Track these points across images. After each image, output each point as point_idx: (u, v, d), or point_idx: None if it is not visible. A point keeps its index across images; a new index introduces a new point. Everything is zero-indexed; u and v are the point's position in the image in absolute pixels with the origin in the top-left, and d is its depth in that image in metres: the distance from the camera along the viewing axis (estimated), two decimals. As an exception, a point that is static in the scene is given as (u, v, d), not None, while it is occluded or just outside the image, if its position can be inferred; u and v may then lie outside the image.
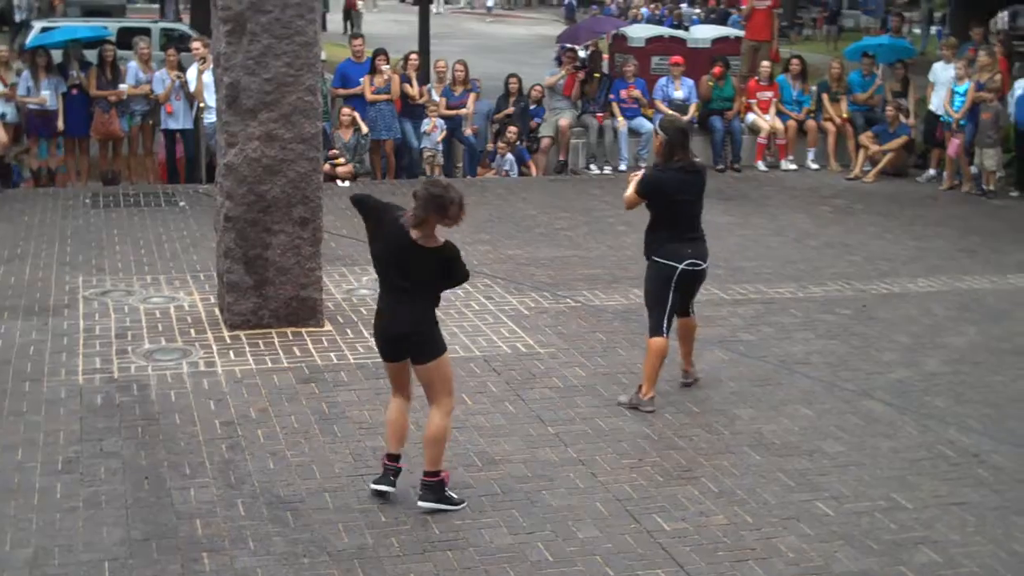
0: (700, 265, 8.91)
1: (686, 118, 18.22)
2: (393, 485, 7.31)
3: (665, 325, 8.84)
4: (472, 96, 18.18)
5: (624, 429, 8.51)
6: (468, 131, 18.05)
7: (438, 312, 7.31)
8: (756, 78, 19.34)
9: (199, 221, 14.28)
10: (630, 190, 8.97)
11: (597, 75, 18.95)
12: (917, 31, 36.64)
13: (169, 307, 11.10)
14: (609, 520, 7.16)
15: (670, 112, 18.14)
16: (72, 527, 6.91)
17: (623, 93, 18.60)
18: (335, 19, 45.02)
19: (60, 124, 16.71)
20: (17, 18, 36.23)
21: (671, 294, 8.80)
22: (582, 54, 20.81)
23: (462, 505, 7.22)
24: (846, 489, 7.66)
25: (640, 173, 9.12)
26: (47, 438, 8.14)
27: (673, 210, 8.83)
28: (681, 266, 8.76)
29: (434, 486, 7.21)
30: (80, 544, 6.72)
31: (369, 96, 17.51)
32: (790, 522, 7.19)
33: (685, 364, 9.36)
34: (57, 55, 17.69)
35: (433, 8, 52.42)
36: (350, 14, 45.00)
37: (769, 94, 19.02)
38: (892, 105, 18.42)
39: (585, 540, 6.91)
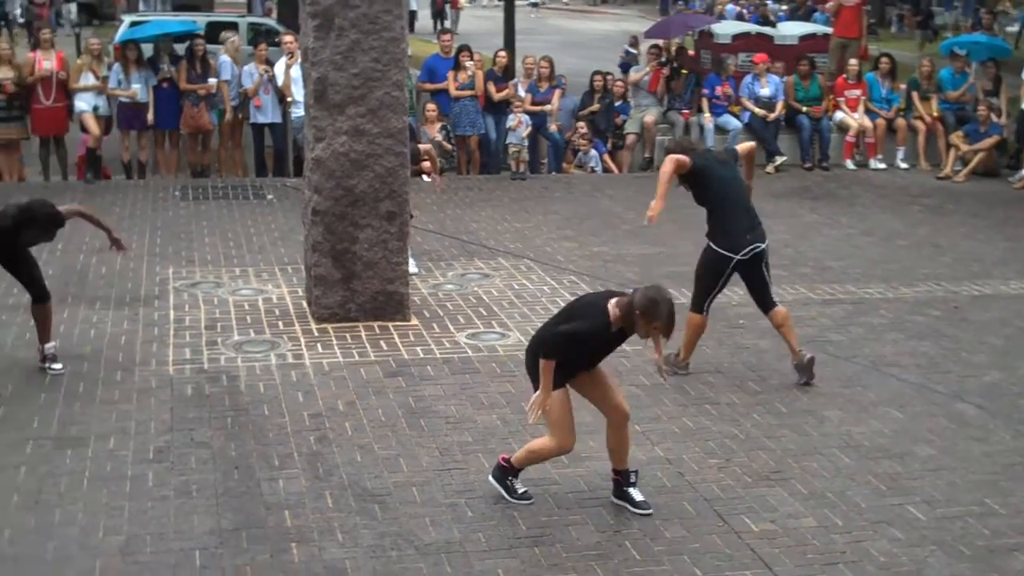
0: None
1: (772, 116, 18.11)
2: (617, 496, 7.29)
3: (706, 304, 9.31)
4: (557, 92, 18.16)
5: (711, 428, 8.45)
6: (553, 127, 18.03)
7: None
8: (844, 76, 19.11)
9: (287, 215, 14.39)
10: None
11: (684, 71, 18.83)
12: (1011, 28, 36.05)
13: (258, 299, 11.20)
14: (696, 520, 7.11)
15: (758, 110, 18.07)
16: (163, 515, 6.99)
17: (718, 90, 18.47)
18: (424, 15, 45.21)
19: (151, 117, 16.90)
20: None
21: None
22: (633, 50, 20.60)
23: (522, 500, 7.21)
24: (938, 493, 7.54)
25: None
26: (139, 427, 8.25)
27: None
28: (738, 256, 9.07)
29: (503, 469, 7.27)
30: (171, 532, 6.80)
31: (453, 92, 17.55)
32: (881, 526, 7.10)
33: (794, 355, 9.32)
34: (148, 49, 17.88)
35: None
36: (441, 11, 45.10)
37: (857, 92, 18.77)
38: (984, 104, 18.14)
39: (672, 539, 6.87)
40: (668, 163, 9.18)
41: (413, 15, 43.28)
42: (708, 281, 9.32)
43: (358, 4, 10.41)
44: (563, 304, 10.98)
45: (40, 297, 9.26)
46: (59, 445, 7.92)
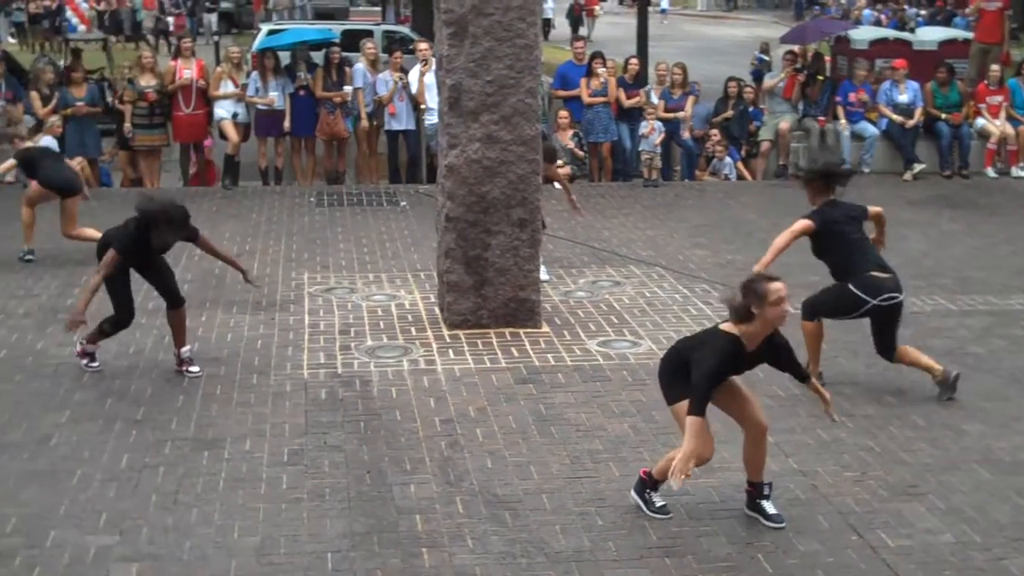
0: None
1: (911, 123, 17.76)
2: (750, 508, 7.20)
3: (818, 317, 9.20)
4: (691, 99, 18.04)
5: (846, 441, 8.30)
6: (686, 134, 17.91)
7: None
8: (985, 82, 18.67)
9: (420, 221, 14.50)
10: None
11: (820, 77, 18.57)
12: None
13: (391, 305, 11.30)
14: (831, 534, 6.99)
15: (896, 117, 17.74)
16: (297, 517, 7.08)
17: (852, 96, 18.18)
18: (560, 23, 45.30)
19: (287, 124, 17.16)
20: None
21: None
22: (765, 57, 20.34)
23: (659, 514, 7.14)
24: (1083, 511, 7.33)
25: None
26: (273, 430, 8.37)
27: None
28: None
29: (643, 482, 7.22)
30: (304, 535, 6.88)
31: (586, 99, 17.54)
32: (1021, 543, 6.90)
33: (936, 373, 9.14)
34: (285, 57, 18.17)
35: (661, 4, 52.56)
36: (578, 18, 45.15)
37: (999, 98, 18.32)
38: None
39: (806, 553, 6.76)
40: (788, 234, 9.06)
41: (548, 23, 43.42)
42: (832, 311, 9.19)
43: (492, 12, 10.45)
44: (695, 313, 10.98)
45: (175, 303, 9.45)
46: (196, 447, 8.07)
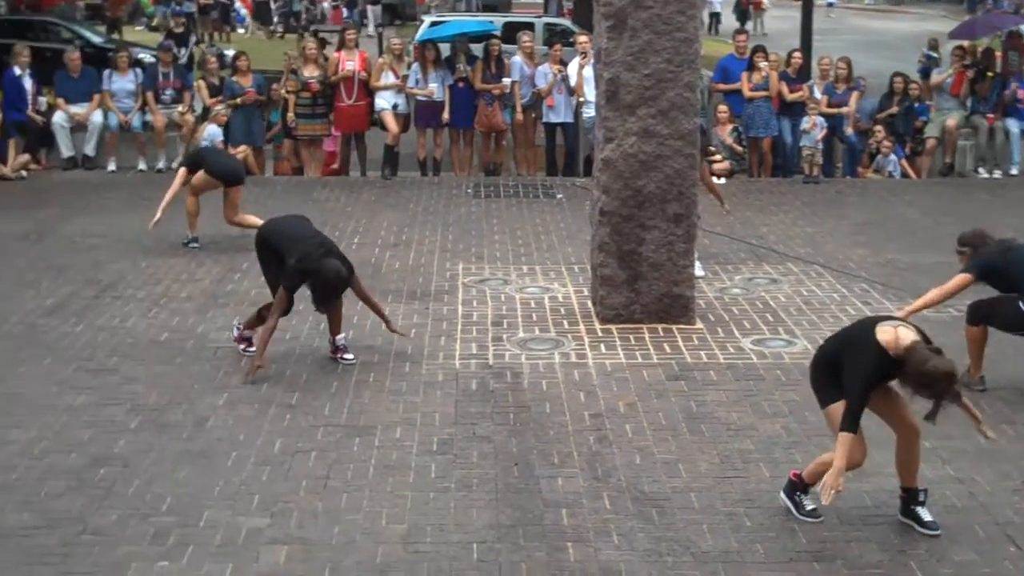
0: None
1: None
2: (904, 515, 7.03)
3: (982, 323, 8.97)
4: (855, 94, 17.68)
5: (1006, 450, 8.02)
6: (849, 130, 17.56)
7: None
8: None
9: (575, 214, 14.48)
10: None
11: (990, 74, 18.04)
12: None
13: (544, 297, 11.30)
14: (987, 544, 6.77)
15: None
16: (444, 507, 7.12)
17: (1022, 93, 17.63)
18: (728, 16, 44.85)
19: (446, 116, 17.28)
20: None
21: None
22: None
23: (809, 518, 7.00)
24: None
25: None
26: (424, 419, 8.44)
27: None
28: None
29: (793, 484, 7.10)
30: (451, 524, 6.92)
31: (747, 93, 17.33)
32: None
33: None
34: (446, 49, 18.30)
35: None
36: (745, 12, 44.63)
37: None
38: None
39: (961, 563, 6.57)
40: (943, 292, 8.93)
41: (716, 17, 42.94)
42: (1001, 324, 8.98)
43: (651, 5, 10.37)
44: (853, 313, 10.76)
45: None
46: (348, 433, 8.17)
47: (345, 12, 42.10)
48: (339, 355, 9.53)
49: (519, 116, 17.41)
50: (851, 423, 6.56)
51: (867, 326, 6.83)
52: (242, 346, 9.66)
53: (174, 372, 9.31)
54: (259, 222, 10.93)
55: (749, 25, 42.24)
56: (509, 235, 13.68)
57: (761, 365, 9.56)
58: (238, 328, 9.75)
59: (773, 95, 17.41)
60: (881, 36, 42.32)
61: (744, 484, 7.47)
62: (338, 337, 9.58)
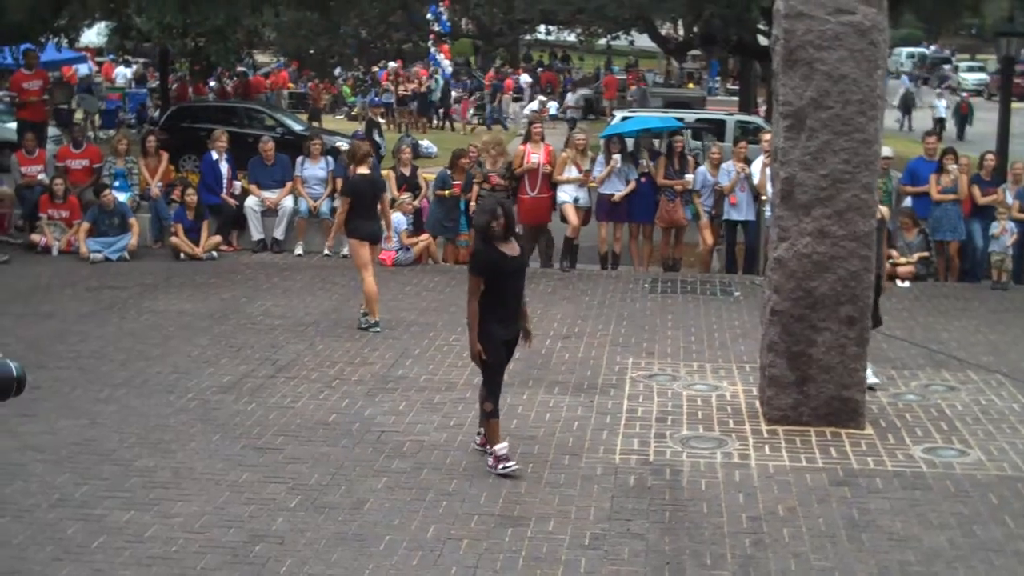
0: None
1: None
2: None
3: None
4: (1049, 199, 17.17)
5: None
6: (1042, 236, 17.03)
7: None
8: None
9: (751, 312, 14.32)
10: None
11: None
12: None
13: (711, 395, 11.19)
14: None
15: None
16: (590, 603, 7.06)
17: None
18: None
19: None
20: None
21: None
22: None
23: None
24: None
25: None
26: (579, 512, 8.40)
27: None
28: None
29: None
30: (595, 621, 6.85)
31: (935, 195, 16.98)
32: None
33: None
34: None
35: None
36: (965, 116, 43.66)
37: None
38: None
39: None
40: None
41: (941, 122, 41.97)
42: None
43: (831, 105, 10.28)
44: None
45: (485, 397, 9.22)
46: (501, 523, 8.18)
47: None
48: (499, 467, 9.10)
49: (703, 221, 17.36)
50: None
51: None
52: (500, 467, 9.07)
53: (337, 454, 9.47)
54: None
55: (968, 129, 41.39)
56: (682, 331, 13.60)
57: (930, 474, 9.27)
58: (489, 454, 9.24)
59: (963, 198, 17.02)
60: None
61: (902, 597, 7.24)
62: (498, 448, 9.16)
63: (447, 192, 17.19)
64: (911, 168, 17.95)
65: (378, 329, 13.10)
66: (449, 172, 17.51)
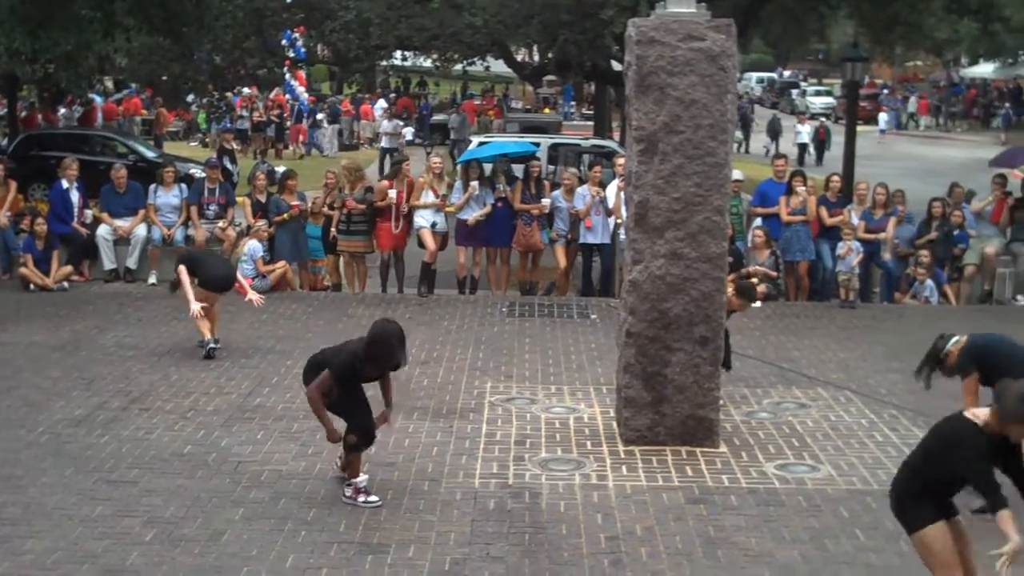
0: None
1: None
2: None
3: None
4: (892, 220, 17.65)
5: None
6: (887, 255, 17.52)
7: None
8: None
9: (608, 334, 14.45)
10: None
11: (1030, 202, 18.03)
12: None
13: (569, 418, 11.28)
14: None
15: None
16: (451, 628, 7.06)
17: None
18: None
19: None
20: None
21: None
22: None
23: None
24: None
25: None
26: (439, 537, 8.40)
27: None
28: None
29: None
30: (456, 646, 6.85)
31: (784, 217, 17.38)
32: None
33: None
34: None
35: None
36: (823, 143, 44.58)
37: None
38: None
39: None
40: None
41: (804, 148, 42.97)
42: None
43: (683, 130, 10.46)
44: (879, 439, 10.65)
45: (351, 430, 9.08)
46: (361, 551, 8.15)
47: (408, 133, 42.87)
48: (357, 498, 9.02)
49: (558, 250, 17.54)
50: (996, 498, 6.40)
51: (955, 428, 6.68)
52: (360, 499, 9.01)
53: (193, 485, 9.33)
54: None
55: (827, 153, 42.57)
56: (540, 354, 13.70)
57: (783, 491, 9.47)
58: (346, 487, 9.15)
59: (811, 219, 17.45)
60: (928, 163, 42.28)
61: (757, 612, 7.37)
62: (357, 480, 9.07)
63: (285, 215, 17.07)
64: (761, 190, 18.34)
65: (215, 346, 13.00)
66: (280, 196, 17.40)
